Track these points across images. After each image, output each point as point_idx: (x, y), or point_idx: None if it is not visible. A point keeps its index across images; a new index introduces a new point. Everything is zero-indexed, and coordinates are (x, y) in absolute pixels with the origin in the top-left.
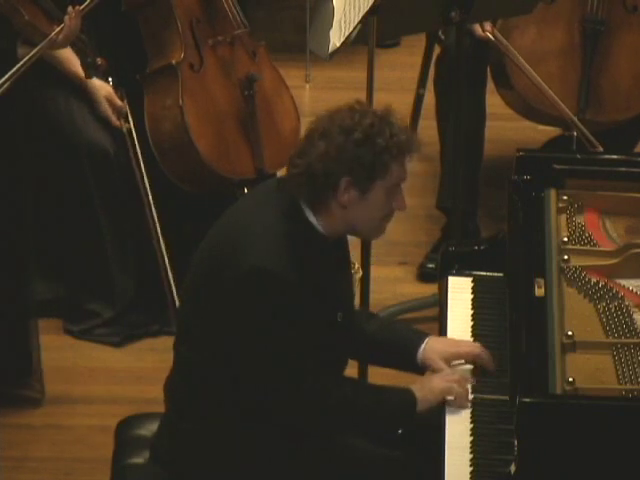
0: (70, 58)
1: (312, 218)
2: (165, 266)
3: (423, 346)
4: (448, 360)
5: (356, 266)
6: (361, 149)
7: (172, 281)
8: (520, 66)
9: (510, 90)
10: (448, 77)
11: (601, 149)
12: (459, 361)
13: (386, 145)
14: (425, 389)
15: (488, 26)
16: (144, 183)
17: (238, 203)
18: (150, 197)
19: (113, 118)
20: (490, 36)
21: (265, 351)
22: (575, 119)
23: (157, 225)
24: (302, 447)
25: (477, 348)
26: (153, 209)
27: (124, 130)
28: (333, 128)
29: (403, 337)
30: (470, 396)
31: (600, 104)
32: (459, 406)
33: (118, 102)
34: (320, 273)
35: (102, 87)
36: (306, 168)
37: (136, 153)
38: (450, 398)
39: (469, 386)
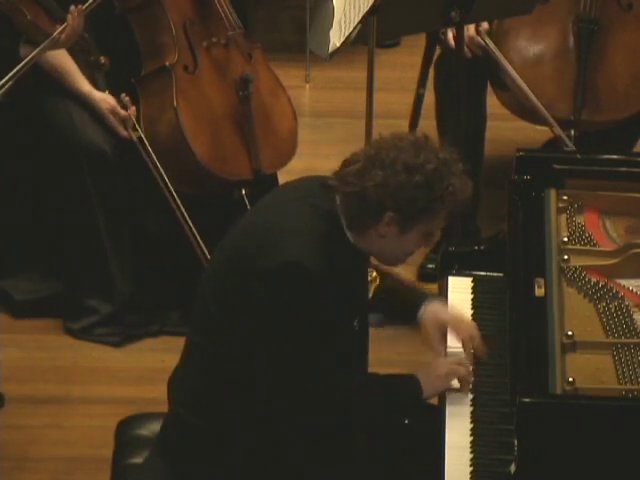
0: (73, 71)
1: (346, 231)
2: (205, 256)
3: (424, 307)
4: (444, 334)
5: (373, 274)
6: (418, 192)
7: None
8: (495, 57)
9: (506, 91)
10: (448, 78)
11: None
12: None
13: (441, 194)
14: (431, 375)
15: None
16: (168, 187)
17: (269, 198)
18: (174, 193)
19: (120, 129)
20: (479, 38)
21: (284, 347)
22: (551, 119)
23: (189, 222)
24: (305, 447)
25: (474, 330)
26: (179, 204)
27: (134, 139)
28: (397, 163)
29: (409, 293)
30: (471, 378)
31: (597, 104)
32: (463, 387)
33: (122, 112)
34: (348, 277)
35: (104, 100)
36: (359, 190)
37: (153, 160)
38: (455, 383)
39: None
